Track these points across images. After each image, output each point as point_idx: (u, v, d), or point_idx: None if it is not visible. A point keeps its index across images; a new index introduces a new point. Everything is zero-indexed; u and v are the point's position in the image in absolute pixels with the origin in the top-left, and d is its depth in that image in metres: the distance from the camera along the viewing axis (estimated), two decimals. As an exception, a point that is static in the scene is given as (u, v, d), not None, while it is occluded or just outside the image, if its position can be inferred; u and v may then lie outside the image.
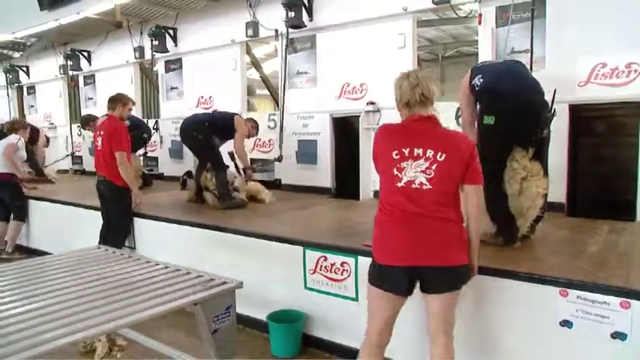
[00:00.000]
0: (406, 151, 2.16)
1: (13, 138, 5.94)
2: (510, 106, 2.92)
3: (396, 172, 2.17)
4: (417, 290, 2.21)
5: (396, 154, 2.17)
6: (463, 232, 2.21)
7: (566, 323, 2.34)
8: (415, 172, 2.13)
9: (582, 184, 4.08)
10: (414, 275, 2.17)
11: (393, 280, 2.18)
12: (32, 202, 6.04)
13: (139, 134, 6.13)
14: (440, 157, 2.12)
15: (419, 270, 2.15)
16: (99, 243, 4.00)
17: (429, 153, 2.13)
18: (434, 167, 2.12)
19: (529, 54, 4.11)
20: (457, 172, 2.15)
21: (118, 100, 4.54)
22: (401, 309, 2.27)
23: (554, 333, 2.38)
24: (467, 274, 2.23)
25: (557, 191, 3.88)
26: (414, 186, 2.13)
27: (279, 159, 5.84)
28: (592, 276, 2.41)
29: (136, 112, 7.40)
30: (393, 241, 2.19)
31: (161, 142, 7.38)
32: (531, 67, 3.92)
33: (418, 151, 2.14)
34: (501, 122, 2.91)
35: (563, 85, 3.96)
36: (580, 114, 4.02)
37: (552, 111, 3.00)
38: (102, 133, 4.43)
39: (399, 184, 2.15)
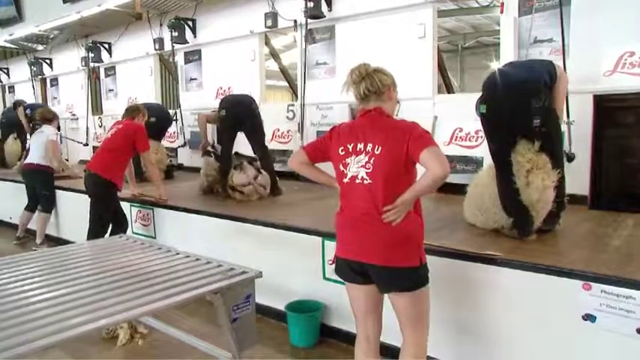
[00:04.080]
0: (350, 147, 2.16)
1: (52, 133, 5.80)
2: (498, 93, 2.94)
3: (342, 168, 2.18)
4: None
5: (342, 150, 2.18)
6: (417, 226, 2.14)
7: (589, 317, 2.30)
8: (357, 168, 2.12)
9: (606, 176, 3.98)
10: (360, 270, 2.17)
11: (343, 270, 2.26)
12: (60, 193, 6.12)
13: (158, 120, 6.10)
14: (377, 149, 2.08)
15: (364, 266, 2.15)
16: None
17: (369, 147, 2.11)
18: (372, 161, 2.08)
19: (552, 43, 4.02)
20: (399, 162, 2.05)
21: (139, 111, 4.71)
22: (379, 299, 2.26)
23: (576, 327, 2.34)
24: (416, 276, 2.12)
25: (581, 183, 3.81)
26: (357, 181, 2.12)
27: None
28: (616, 270, 2.35)
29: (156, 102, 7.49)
30: (343, 235, 2.24)
31: (181, 132, 7.44)
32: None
33: (360, 145, 2.13)
34: (492, 110, 2.93)
35: (587, 75, 3.86)
36: (605, 104, 3.92)
37: (544, 101, 2.86)
38: (120, 127, 4.54)
39: (345, 180, 2.17)
